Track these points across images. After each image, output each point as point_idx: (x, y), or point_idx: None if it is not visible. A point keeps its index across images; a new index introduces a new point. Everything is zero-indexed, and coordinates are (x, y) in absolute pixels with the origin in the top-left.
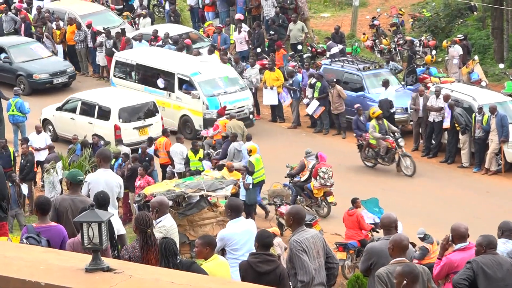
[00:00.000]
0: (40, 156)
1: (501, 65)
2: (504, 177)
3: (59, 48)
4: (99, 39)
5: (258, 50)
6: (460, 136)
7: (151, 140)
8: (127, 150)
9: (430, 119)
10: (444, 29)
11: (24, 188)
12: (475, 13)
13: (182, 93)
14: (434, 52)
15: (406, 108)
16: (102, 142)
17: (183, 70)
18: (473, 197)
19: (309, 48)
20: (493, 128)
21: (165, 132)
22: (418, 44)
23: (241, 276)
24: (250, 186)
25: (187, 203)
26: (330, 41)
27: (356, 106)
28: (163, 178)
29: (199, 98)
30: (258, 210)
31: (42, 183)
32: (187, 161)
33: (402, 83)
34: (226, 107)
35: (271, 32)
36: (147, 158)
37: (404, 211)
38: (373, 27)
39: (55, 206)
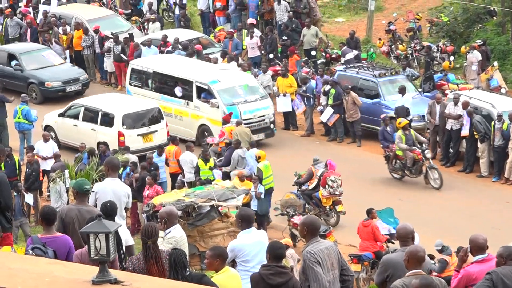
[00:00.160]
0: (47, 165)
1: None
2: None
3: (66, 54)
4: (107, 44)
5: (271, 56)
6: (479, 145)
7: (161, 149)
8: (135, 158)
9: (448, 127)
10: (463, 34)
11: (29, 198)
12: (494, 17)
13: (201, 102)
14: (452, 58)
15: (423, 116)
16: (110, 151)
17: (202, 78)
18: (492, 207)
19: (323, 54)
20: None
21: (174, 140)
22: (435, 50)
23: None
24: (262, 196)
25: (197, 213)
26: (345, 47)
27: (382, 116)
28: (173, 187)
29: (218, 107)
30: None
31: (48, 192)
32: (197, 170)
33: (419, 90)
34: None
35: (284, 37)
36: (152, 168)
37: (420, 222)
38: (389, 32)
39: (61, 217)
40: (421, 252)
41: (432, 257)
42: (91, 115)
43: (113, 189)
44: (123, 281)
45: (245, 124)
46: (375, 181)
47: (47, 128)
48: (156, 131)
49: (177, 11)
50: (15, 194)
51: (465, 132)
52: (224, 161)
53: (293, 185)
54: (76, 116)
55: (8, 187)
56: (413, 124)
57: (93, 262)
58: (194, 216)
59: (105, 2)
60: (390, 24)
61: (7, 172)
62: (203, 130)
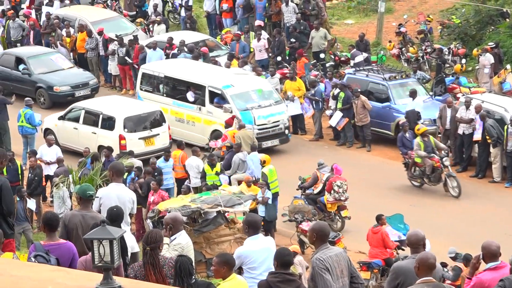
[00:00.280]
0: (50, 170)
1: None
2: None
3: (69, 56)
4: (111, 47)
5: (279, 58)
6: (492, 149)
7: (168, 153)
8: (139, 163)
9: (460, 131)
10: (475, 37)
11: (32, 203)
12: (507, 19)
13: (214, 107)
14: (464, 61)
15: (435, 120)
16: (114, 156)
17: (215, 82)
18: (505, 214)
19: (332, 57)
20: None
21: (180, 145)
22: (447, 53)
23: None
24: (269, 201)
25: (203, 219)
26: (354, 49)
27: (401, 122)
28: (179, 193)
29: (231, 112)
30: (279, 226)
31: (52, 198)
32: (203, 175)
33: (430, 93)
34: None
35: (292, 40)
36: (156, 173)
37: (431, 228)
38: (399, 34)
39: (65, 222)
40: (432, 259)
41: (445, 264)
42: (91, 118)
43: (117, 195)
44: None
45: (259, 129)
46: (385, 186)
47: (47, 131)
48: (158, 134)
49: (182, 13)
50: (18, 199)
51: (477, 136)
52: (224, 164)
53: (297, 190)
54: (76, 119)
55: (10, 192)
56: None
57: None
58: (200, 222)
59: (109, 4)
60: (400, 26)
61: (9, 177)
62: (217, 136)
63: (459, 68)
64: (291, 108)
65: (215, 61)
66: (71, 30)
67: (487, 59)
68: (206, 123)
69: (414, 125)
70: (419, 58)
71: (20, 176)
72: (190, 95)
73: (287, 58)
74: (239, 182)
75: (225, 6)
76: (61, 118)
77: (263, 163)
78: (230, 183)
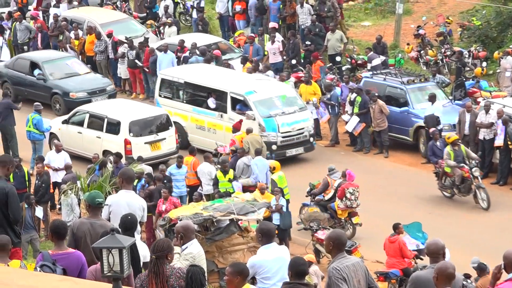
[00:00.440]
0: (58, 176)
1: None
2: None
3: None
4: (121, 49)
5: (293, 61)
6: None
7: (180, 160)
8: (149, 169)
9: (480, 136)
10: (496, 39)
11: (39, 211)
12: None
13: (236, 114)
14: (484, 64)
15: (454, 125)
16: (123, 163)
17: (237, 88)
18: None
19: (349, 60)
20: None
21: (192, 151)
22: (467, 55)
23: None
24: (284, 209)
25: (215, 227)
26: (372, 52)
27: (431, 130)
28: (190, 200)
29: (254, 119)
30: (294, 235)
31: (59, 205)
32: (216, 182)
33: (450, 97)
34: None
35: (307, 42)
36: (165, 181)
37: (451, 237)
38: (418, 36)
39: (73, 231)
40: (451, 269)
41: (468, 276)
42: (96, 122)
43: (127, 202)
44: None
45: (283, 137)
46: (403, 194)
47: (51, 135)
48: (165, 138)
49: (194, 15)
50: (26, 206)
51: (499, 142)
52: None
53: (306, 196)
54: (80, 123)
55: (17, 199)
56: (443, 134)
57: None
58: (213, 230)
59: (119, 5)
60: (419, 28)
61: (16, 184)
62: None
63: (480, 71)
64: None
65: (228, 65)
66: (80, 33)
67: (509, 62)
68: (228, 130)
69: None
70: (438, 61)
71: (27, 183)
72: (211, 102)
73: (302, 61)
74: (243, 187)
75: (238, 7)
76: (65, 122)
77: (272, 170)
78: (243, 190)
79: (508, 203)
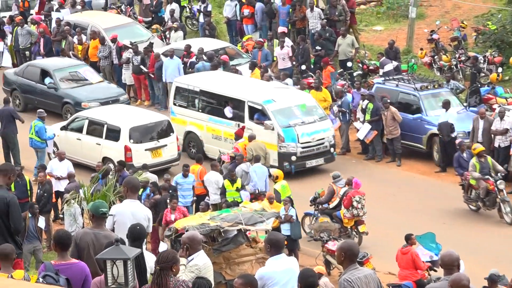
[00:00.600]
0: (60, 185)
1: None
2: None
3: None
4: (126, 55)
5: (303, 67)
6: None
7: (186, 169)
8: (154, 178)
9: (496, 144)
10: None
11: (41, 221)
12: None
13: (254, 123)
14: (500, 69)
15: (469, 133)
16: (127, 172)
17: (255, 97)
18: None
19: (360, 65)
20: None
21: (199, 160)
22: (482, 61)
23: None
24: (294, 219)
25: (223, 238)
26: (384, 57)
27: (458, 141)
28: (197, 210)
29: (273, 129)
30: (303, 245)
31: (62, 215)
32: (223, 191)
33: (465, 104)
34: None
35: (318, 47)
36: (170, 191)
37: (466, 248)
38: (431, 41)
39: (76, 241)
40: (465, 281)
41: None
42: (96, 128)
43: (132, 212)
44: None
45: (302, 148)
46: (416, 203)
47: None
48: (166, 145)
49: (201, 19)
50: (30, 216)
51: None
52: (226, 175)
53: (310, 205)
54: (79, 130)
55: (18, 209)
56: (457, 141)
57: None
58: (220, 241)
59: (124, 9)
60: (432, 32)
61: (17, 193)
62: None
63: (495, 77)
64: None
65: (236, 70)
66: (83, 37)
67: None
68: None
69: (447, 138)
70: (452, 66)
71: (29, 192)
72: (228, 111)
73: (312, 66)
74: None
75: (246, 11)
76: (64, 128)
77: (275, 179)
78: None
79: None
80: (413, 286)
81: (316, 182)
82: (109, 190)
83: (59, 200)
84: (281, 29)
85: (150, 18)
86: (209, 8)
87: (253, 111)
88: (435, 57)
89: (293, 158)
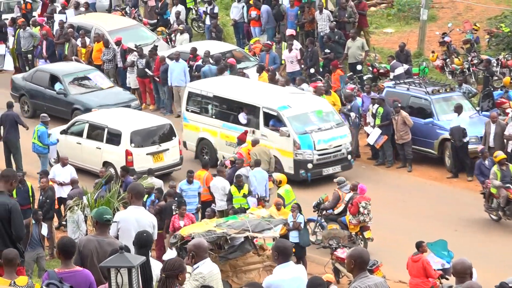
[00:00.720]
0: (63, 191)
1: None
2: None
3: None
4: (130, 58)
5: (312, 70)
6: None
7: (191, 175)
8: (160, 183)
9: (509, 149)
10: None
11: (44, 228)
12: None
13: (269, 130)
14: None
15: (481, 137)
16: (131, 177)
17: (270, 103)
18: None
19: (370, 69)
20: None
21: (205, 165)
22: (495, 64)
23: None
24: (302, 226)
25: (229, 245)
26: (394, 61)
27: (480, 148)
28: (203, 217)
29: (289, 135)
30: (312, 253)
31: (65, 222)
32: (229, 198)
33: (477, 108)
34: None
35: (327, 50)
36: (175, 198)
37: (479, 256)
38: (443, 44)
39: (79, 248)
40: None
41: None
42: (96, 132)
43: (137, 219)
44: None
45: (319, 155)
46: (427, 210)
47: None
48: (168, 149)
49: (207, 21)
50: (34, 222)
51: None
52: (227, 179)
53: (314, 211)
54: (80, 133)
55: (20, 216)
56: (470, 146)
57: None
58: (227, 248)
59: (128, 11)
60: (444, 35)
61: (19, 199)
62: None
63: (509, 81)
64: None
65: (243, 74)
66: (87, 40)
67: None
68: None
69: (459, 143)
70: (464, 70)
71: (31, 198)
72: (242, 117)
73: (321, 70)
74: None
75: (253, 13)
76: (64, 132)
77: (278, 184)
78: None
79: None
80: None
81: (319, 187)
82: (113, 196)
83: (62, 206)
84: (289, 31)
85: (155, 20)
86: (216, 10)
87: (268, 117)
88: (447, 60)
89: (309, 165)
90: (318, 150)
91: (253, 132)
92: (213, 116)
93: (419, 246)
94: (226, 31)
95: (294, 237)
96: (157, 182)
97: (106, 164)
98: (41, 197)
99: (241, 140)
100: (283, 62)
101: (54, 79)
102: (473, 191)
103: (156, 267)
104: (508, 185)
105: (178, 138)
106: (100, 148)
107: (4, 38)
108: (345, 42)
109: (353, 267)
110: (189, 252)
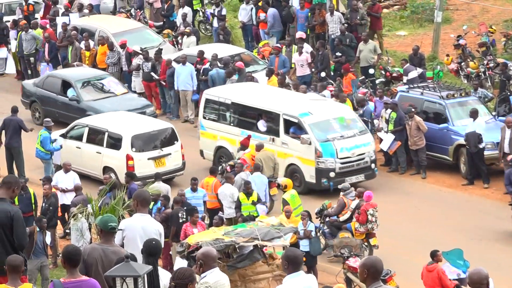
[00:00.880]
0: (66, 198)
1: None
2: None
3: None
4: (135, 61)
5: (323, 74)
6: None
7: (194, 182)
8: (166, 189)
9: None
10: None
11: (47, 236)
12: None
13: (289, 137)
14: None
15: (498, 143)
16: (136, 183)
17: (290, 110)
18: None
19: (383, 72)
20: None
21: (213, 171)
22: (511, 68)
23: None
24: (313, 234)
25: (238, 254)
26: (408, 64)
27: (509, 158)
28: (210, 225)
29: (310, 143)
30: (323, 262)
31: (68, 230)
32: (238, 205)
33: (493, 113)
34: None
35: (338, 54)
36: (185, 208)
37: (496, 266)
38: (458, 47)
39: (83, 257)
40: None
41: None
42: (96, 136)
43: (143, 227)
44: None
45: (341, 163)
46: (441, 218)
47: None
48: (170, 154)
49: (215, 23)
50: (38, 230)
51: None
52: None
53: (316, 218)
54: (79, 138)
55: (23, 224)
56: (486, 153)
57: None
58: (235, 257)
59: (133, 13)
60: (459, 38)
61: (22, 206)
62: (293, 171)
63: None
64: None
65: (252, 77)
66: (91, 43)
67: None
68: (281, 156)
69: (474, 149)
70: (480, 73)
71: (33, 205)
72: (261, 124)
73: (332, 74)
74: None
75: (262, 16)
76: (63, 136)
77: (284, 188)
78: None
79: None
80: None
81: (322, 193)
82: (117, 204)
83: (66, 214)
84: (299, 34)
85: (161, 23)
86: (224, 12)
87: (288, 124)
88: (462, 63)
89: (332, 174)
90: (340, 159)
91: (273, 139)
92: (231, 124)
93: (434, 255)
94: (234, 34)
95: (304, 245)
96: (164, 188)
97: (106, 169)
98: (44, 204)
99: (244, 145)
100: (293, 65)
101: (66, 85)
102: (490, 198)
103: (164, 277)
104: None
105: (180, 143)
106: (100, 153)
107: (6, 41)
108: (356, 45)
109: (366, 276)
110: (198, 261)
